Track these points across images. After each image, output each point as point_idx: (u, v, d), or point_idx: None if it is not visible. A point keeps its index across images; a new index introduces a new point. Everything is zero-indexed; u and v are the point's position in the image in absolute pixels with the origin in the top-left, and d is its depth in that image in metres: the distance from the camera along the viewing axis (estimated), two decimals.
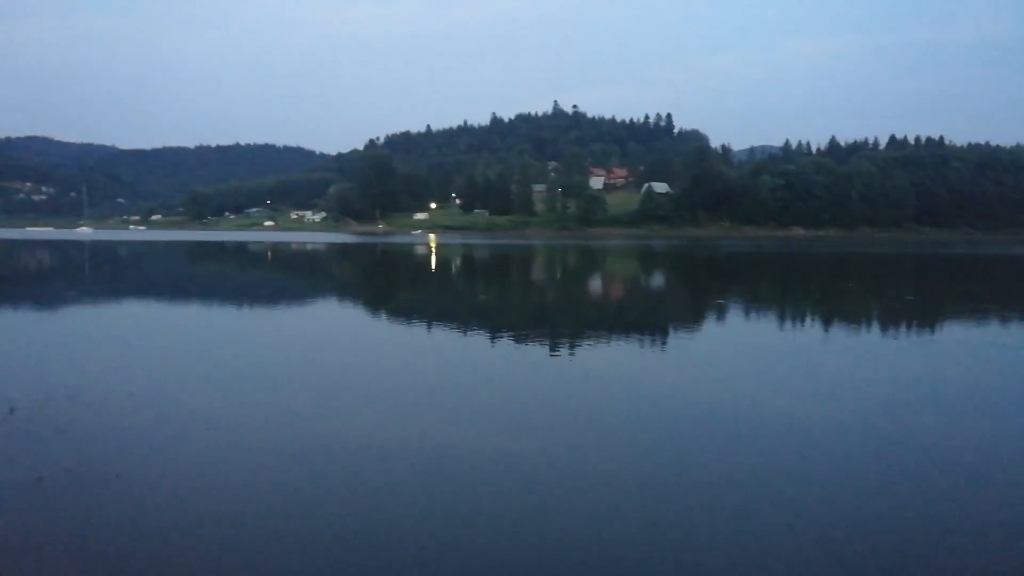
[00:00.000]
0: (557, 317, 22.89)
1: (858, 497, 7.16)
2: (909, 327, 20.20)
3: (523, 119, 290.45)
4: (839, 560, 5.87)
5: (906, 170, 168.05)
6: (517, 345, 16.19)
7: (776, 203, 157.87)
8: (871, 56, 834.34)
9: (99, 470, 7.69)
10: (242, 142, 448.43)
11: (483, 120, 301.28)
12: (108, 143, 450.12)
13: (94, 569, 5.66)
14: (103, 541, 6.12)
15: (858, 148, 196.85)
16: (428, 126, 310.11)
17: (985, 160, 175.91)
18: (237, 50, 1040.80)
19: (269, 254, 66.22)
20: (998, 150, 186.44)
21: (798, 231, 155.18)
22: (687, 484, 7.51)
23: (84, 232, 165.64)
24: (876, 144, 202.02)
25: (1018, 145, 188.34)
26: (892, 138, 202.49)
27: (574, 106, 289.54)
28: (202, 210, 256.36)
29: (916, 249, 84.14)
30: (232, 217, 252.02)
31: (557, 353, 15.20)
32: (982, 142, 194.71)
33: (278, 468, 7.85)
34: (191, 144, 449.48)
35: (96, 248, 76.32)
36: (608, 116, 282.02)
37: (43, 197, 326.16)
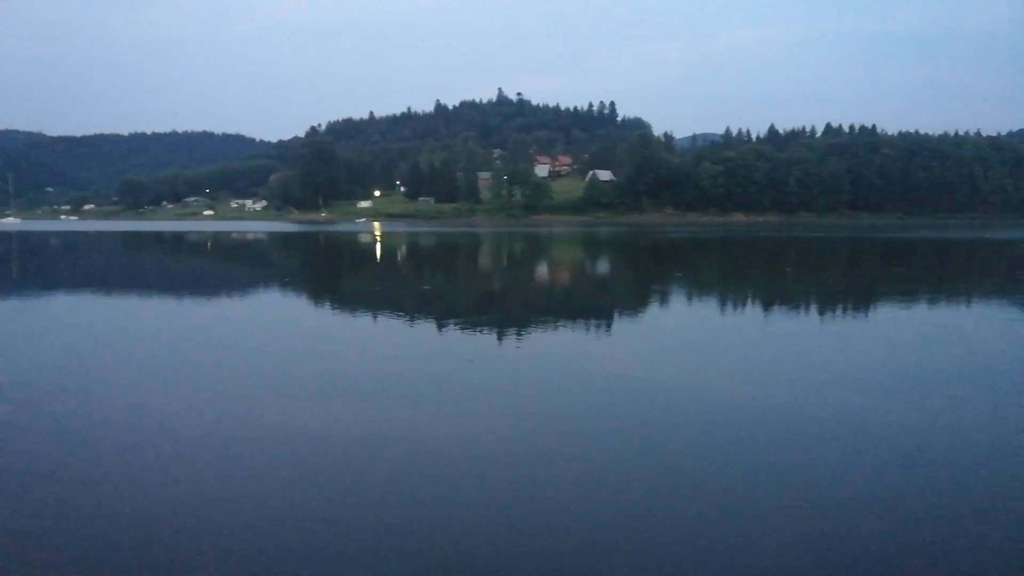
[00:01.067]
0: (507, 304, 22.96)
1: (807, 476, 7.43)
2: (844, 309, 20.90)
3: (468, 106, 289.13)
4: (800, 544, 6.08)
5: (841, 157, 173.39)
6: (466, 333, 16.18)
7: (717, 189, 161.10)
8: (808, 46, 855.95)
9: (32, 467, 7.45)
10: (179, 129, 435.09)
11: (427, 107, 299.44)
12: (35, 130, 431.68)
13: (26, 567, 5.50)
14: (36, 540, 5.94)
15: (796, 136, 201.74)
16: (371, 112, 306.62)
17: (913, 147, 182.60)
18: (173, 34, 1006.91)
19: (209, 244, 64.61)
20: (926, 138, 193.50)
21: (739, 217, 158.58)
22: (642, 471, 7.66)
23: (11, 223, 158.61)
24: (813, 132, 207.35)
25: (944, 133, 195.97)
26: (828, 126, 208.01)
27: (518, 93, 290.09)
28: (138, 199, 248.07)
29: (851, 233, 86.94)
30: (170, 206, 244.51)
31: (506, 340, 15.26)
32: (911, 130, 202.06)
33: (220, 462, 7.73)
34: (125, 131, 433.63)
35: (24, 239, 73.26)
36: (552, 104, 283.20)
37: None
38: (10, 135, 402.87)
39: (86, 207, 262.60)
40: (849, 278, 31.61)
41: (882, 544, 5.85)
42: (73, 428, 8.79)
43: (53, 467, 7.45)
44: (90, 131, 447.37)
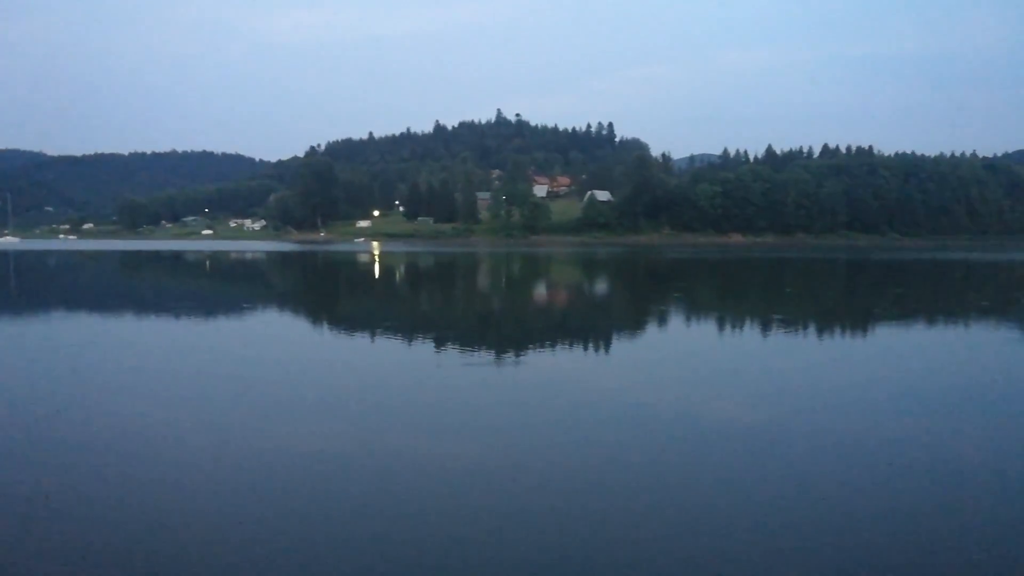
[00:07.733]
0: (507, 325, 22.92)
1: (800, 495, 7.39)
2: (843, 331, 20.88)
3: (466, 127, 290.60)
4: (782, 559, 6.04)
5: (838, 178, 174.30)
6: (464, 354, 16.15)
7: (714, 210, 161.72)
8: (806, 67, 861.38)
9: (24, 489, 7.40)
10: (179, 149, 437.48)
11: (427, 128, 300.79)
12: (35, 149, 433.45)
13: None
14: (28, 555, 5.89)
15: (793, 156, 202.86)
16: (371, 133, 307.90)
17: (910, 169, 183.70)
18: (173, 55, 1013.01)
19: (207, 263, 64.63)
20: (922, 159, 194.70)
21: (736, 237, 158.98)
22: (630, 486, 7.62)
23: (8, 241, 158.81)
24: (811, 152, 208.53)
25: (941, 154, 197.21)
26: (825, 147, 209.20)
27: (517, 115, 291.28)
28: (137, 219, 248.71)
29: (848, 254, 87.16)
30: (169, 226, 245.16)
31: (505, 361, 15.21)
32: (908, 151, 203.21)
33: (231, 483, 7.69)
34: (125, 151, 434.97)
35: (22, 258, 73.24)
36: (551, 125, 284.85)
37: None
38: (10, 154, 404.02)
39: (85, 227, 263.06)
40: (847, 299, 31.62)
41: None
42: (77, 449, 8.75)
43: (47, 489, 7.41)
44: (90, 151, 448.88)
